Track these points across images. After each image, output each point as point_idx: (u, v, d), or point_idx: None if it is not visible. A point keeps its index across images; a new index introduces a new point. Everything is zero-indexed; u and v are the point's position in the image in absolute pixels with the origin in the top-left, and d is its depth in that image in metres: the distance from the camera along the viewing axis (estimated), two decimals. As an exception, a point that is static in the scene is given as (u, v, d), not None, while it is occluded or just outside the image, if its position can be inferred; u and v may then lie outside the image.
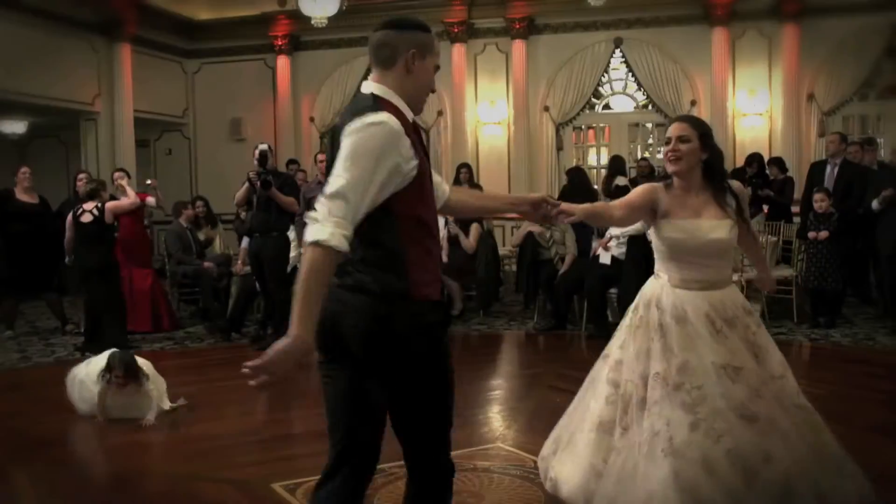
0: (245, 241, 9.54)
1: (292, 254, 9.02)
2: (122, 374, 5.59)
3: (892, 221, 8.38)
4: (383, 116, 2.48)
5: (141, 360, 5.88)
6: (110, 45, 13.02)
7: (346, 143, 2.46)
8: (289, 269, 8.95)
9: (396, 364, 2.55)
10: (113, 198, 9.00)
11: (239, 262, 9.64)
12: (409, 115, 2.65)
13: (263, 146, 8.21)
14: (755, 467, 3.21)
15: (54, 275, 9.37)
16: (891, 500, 4.09)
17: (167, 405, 5.92)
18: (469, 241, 9.82)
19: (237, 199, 8.58)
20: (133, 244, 9.08)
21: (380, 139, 2.44)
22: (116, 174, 9.49)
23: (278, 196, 8.00)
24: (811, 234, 8.68)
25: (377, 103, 2.56)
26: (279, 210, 8.09)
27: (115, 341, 7.38)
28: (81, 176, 9.52)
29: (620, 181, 11.14)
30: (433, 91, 2.79)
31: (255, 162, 8.07)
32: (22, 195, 9.22)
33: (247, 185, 8.15)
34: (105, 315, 8.25)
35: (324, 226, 2.37)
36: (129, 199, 8.89)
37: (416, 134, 2.61)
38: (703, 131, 3.65)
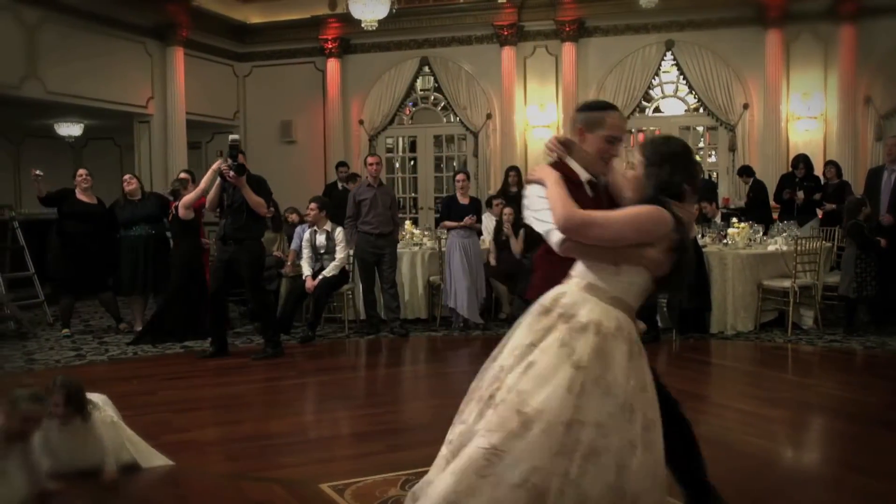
0: (295, 242, 9.63)
1: (340, 255, 9.07)
2: (63, 402, 4.35)
3: None
4: None
5: (99, 398, 4.80)
6: (164, 49, 13.23)
7: None
8: (329, 273, 9.00)
9: None
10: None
11: (288, 263, 9.72)
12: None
13: (234, 136, 8.05)
14: None
15: (109, 275, 9.55)
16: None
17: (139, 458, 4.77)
18: (518, 245, 9.79)
19: (209, 203, 8.12)
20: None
21: None
22: (184, 175, 9.64)
23: (248, 191, 7.73)
24: (884, 242, 8.58)
25: None
26: (250, 215, 7.84)
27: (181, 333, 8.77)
28: (126, 177, 9.67)
29: None
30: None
31: (227, 154, 7.82)
32: (81, 196, 9.39)
33: (217, 183, 7.88)
34: (196, 307, 8.69)
35: None
36: (196, 189, 8.95)
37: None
38: None
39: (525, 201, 3.26)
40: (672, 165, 2.98)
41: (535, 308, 2.99)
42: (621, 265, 2.93)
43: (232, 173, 7.67)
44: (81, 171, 9.52)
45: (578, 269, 3.03)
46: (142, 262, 9.31)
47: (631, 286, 2.95)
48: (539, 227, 3.11)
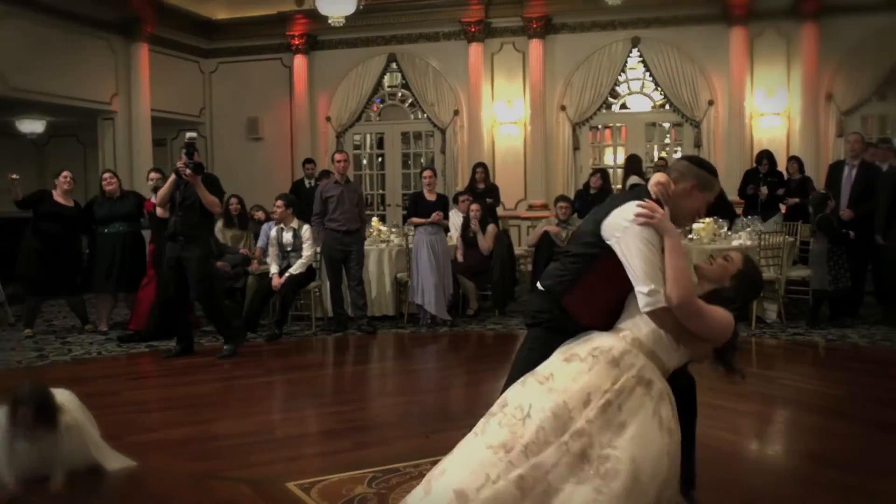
0: (261, 239, 9.60)
1: (307, 252, 9.03)
2: (32, 416, 4.23)
3: None
4: None
5: (64, 396, 4.61)
6: (128, 45, 13.09)
7: None
8: (296, 270, 8.95)
9: None
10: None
11: (255, 261, 9.68)
12: None
13: (192, 134, 7.99)
14: None
15: (78, 275, 9.47)
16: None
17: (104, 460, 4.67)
18: (485, 241, 9.82)
19: (160, 199, 8.05)
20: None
21: None
22: (153, 174, 9.56)
23: (203, 190, 7.66)
24: (852, 234, 8.68)
25: None
26: (202, 212, 7.77)
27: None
28: (106, 175, 9.63)
29: (633, 180, 11.15)
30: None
31: (183, 153, 7.70)
32: (59, 198, 9.31)
33: (171, 180, 7.77)
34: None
35: None
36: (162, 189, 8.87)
37: None
38: None
39: (622, 220, 3.12)
40: (751, 292, 3.40)
41: (601, 354, 3.05)
42: (681, 345, 3.11)
43: (189, 171, 7.60)
44: (66, 174, 9.45)
45: (641, 333, 3.10)
46: (118, 260, 9.28)
47: (678, 363, 3.17)
48: (639, 276, 3.05)
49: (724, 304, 3.17)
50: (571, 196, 11.17)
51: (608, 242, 3.15)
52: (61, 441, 4.39)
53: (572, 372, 3.03)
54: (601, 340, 3.12)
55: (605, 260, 3.16)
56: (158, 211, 8.58)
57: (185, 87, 14.72)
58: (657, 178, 3.30)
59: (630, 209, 3.11)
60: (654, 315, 3.04)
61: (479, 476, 2.87)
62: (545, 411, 2.94)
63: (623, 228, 3.10)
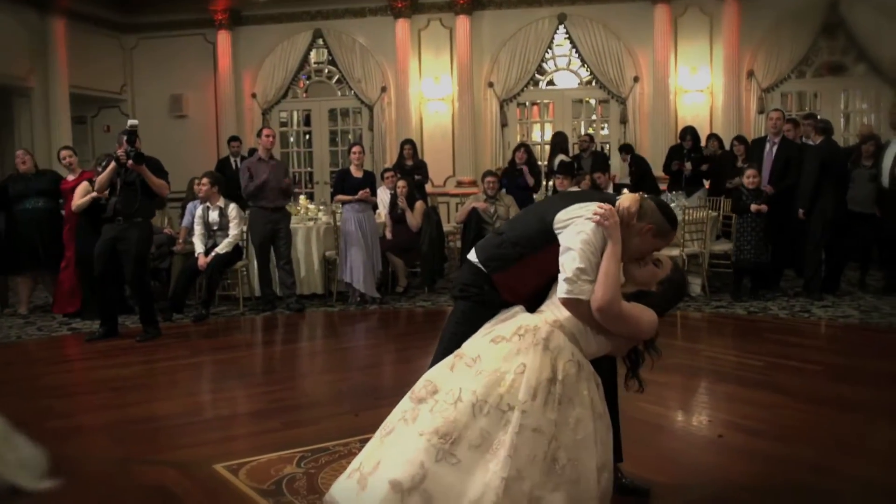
0: (186, 219, 9.43)
1: (234, 231, 8.90)
2: None
3: (828, 191, 8.87)
4: None
5: None
6: (43, 19, 12.67)
7: None
8: (223, 250, 8.81)
9: None
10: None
11: (180, 241, 9.50)
12: None
13: (133, 122, 7.87)
14: None
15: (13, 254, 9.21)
16: (828, 467, 4.20)
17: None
18: (413, 218, 9.80)
19: (99, 185, 7.71)
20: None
21: None
22: (64, 152, 9.29)
23: (150, 176, 7.55)
24: (753, 207, 8.79)
25: None
26: (144, 194, 7.62)
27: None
28: (19, 153, 9.35)
29: (560, 158, 11.24)
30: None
31: (124, 139, 7.53)
32: None
33: (111, 167, 7.55)
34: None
35: None
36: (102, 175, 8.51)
37: None
38: None
39: (574, 214, 3.16)
40: (675, 299, 3.38)
41: (527, 333, 3.05)
42: (600, 335, 3.12)
43: (130, 162, 7.41)
44: None
45: (562, 316, 3.10)
46: (39, 238, 9.03)
47: (596, 351, 3.16)
48: (567, 265, 3.06)
49: (648, 307, 3.22)
50: (499, 172, 11.21)
51: (555, 230, 3.17)
52: None
53: (500, 353, 3.02)
54: (525, 320, 3.13)
55: (547, 250, 3.19)
56: (74, 202, 8.35)
57: (105, 63, 14.32)
58: (628, 201, 3.25)
59: (589, 207, 3.16)
60: (568, 304, 3.05)
61: (414, 465, 2.84)
62: (476, 394, 2.93)
63: (574, 221, 3.14)
